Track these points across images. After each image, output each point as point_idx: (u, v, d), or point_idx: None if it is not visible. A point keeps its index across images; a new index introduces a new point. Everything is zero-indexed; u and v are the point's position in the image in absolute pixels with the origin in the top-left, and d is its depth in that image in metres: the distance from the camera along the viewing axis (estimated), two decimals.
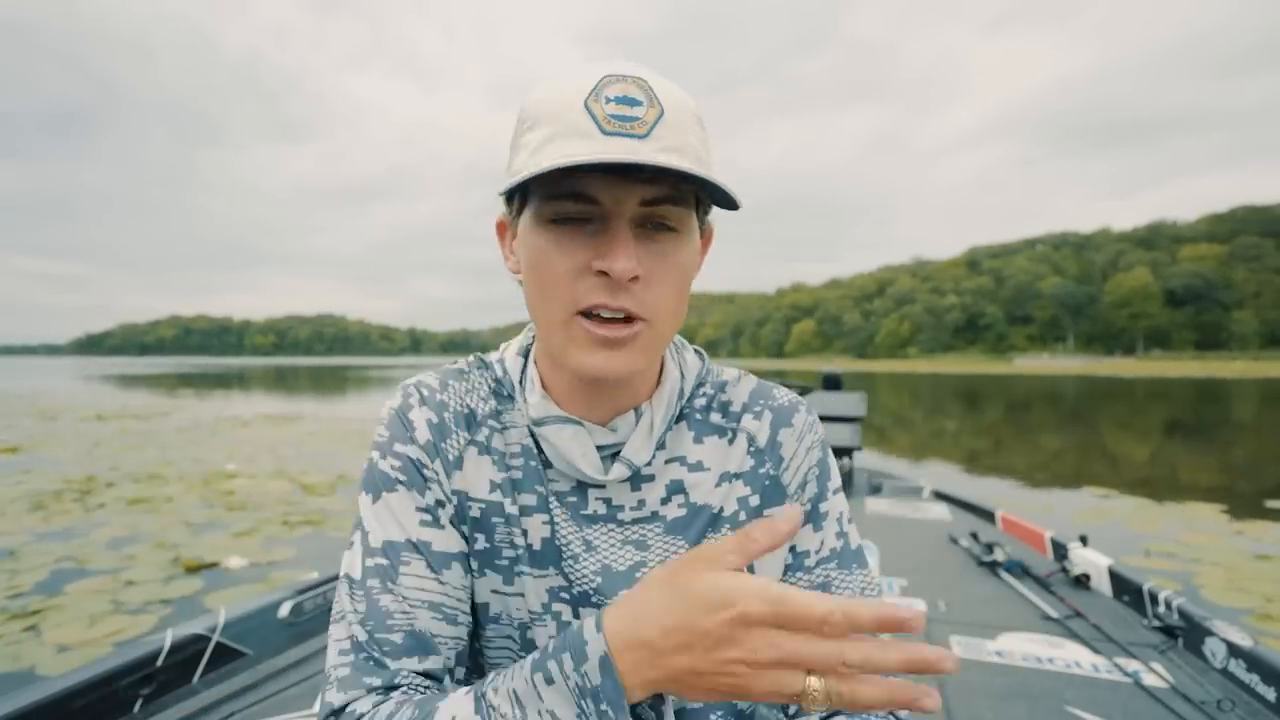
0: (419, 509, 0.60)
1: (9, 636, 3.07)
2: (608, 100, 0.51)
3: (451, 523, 0.62)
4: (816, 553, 0.65)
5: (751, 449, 0.66)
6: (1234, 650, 1.99)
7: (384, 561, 0.58)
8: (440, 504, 0.62)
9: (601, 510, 0.63)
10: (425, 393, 0.65)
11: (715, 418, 0.68)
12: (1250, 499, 6.35)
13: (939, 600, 2.70)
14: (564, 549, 0.62)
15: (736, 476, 0.65)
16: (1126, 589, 2.63)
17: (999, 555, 3.11)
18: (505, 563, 0.62)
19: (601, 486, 0.63)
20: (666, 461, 0.64)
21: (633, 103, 0.51)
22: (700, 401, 0.68)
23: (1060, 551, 3.12)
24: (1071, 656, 2.15)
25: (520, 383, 0.66)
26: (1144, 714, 1.80)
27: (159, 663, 1.82)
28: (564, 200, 0.52)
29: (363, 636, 0.56)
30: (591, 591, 0.61)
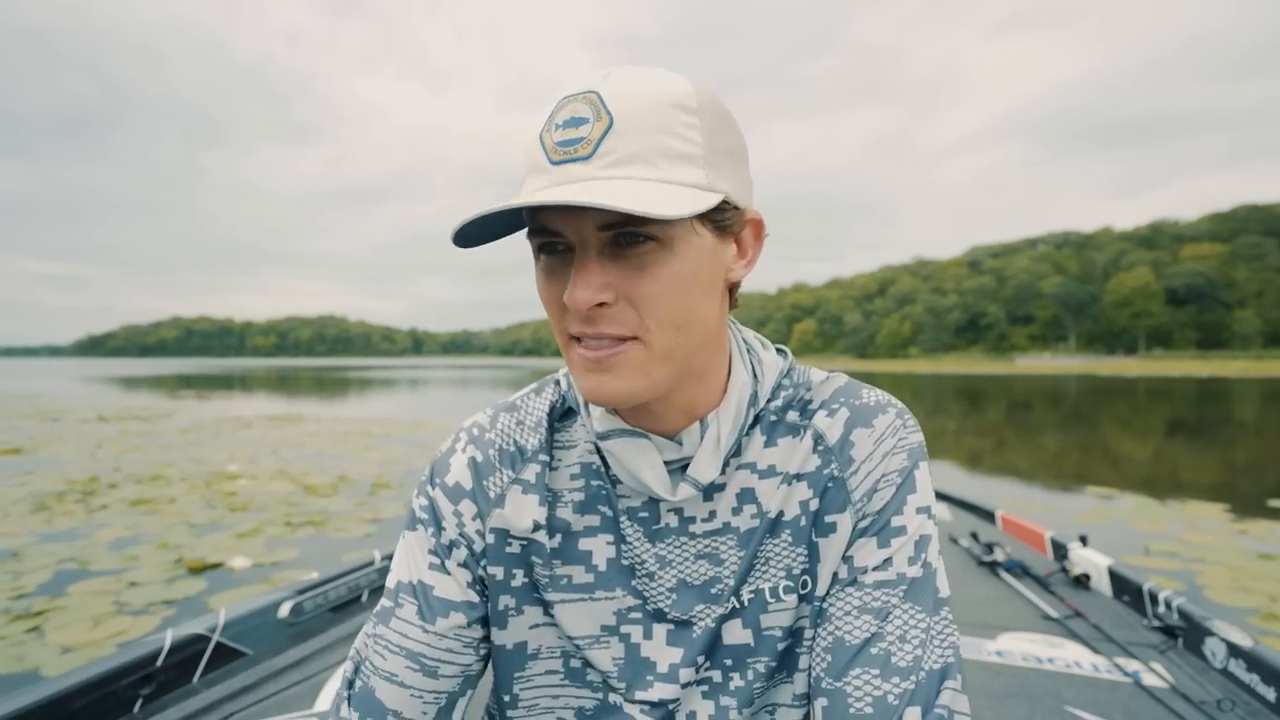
0: (430, 550, 0.61)
1: (12, 638, 3.08)
2: (557, 126, 0.48)
3: (465, 565, 0.61)
4: (876, 570, 0.56)
5: (819, 447, 0.60)
6: (1234, 650, 1.99)
7: (388, 604, 0.61)
8: (454, 545, 0.61)
9: (674, 522, 0.60)
10: (475, 432, 0.66)
11: (791, 416, 0.62)
12: (1253, 498, 6.33)
13: None
14: (636, 567, 0.61)
15: (799, 477, 0.59)
16: (1126, 589, 2.63)
17: (999, 555, 3.10)
18: (547, 592, 0.62)
19: None
20: (737, 468, 0.60)
21: (579, 122, 0.47)
22: (777, 403, 0.62)
23: (1060, 551, 3.12)
24: (1071, 656, 2.14)
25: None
26: (1144, 714, 1.80)
27: (159, 663, 1.82)
28: (537, 235, 0.52)
29: (351, 673, 0.60)
30: (668, 609, 0.60)
